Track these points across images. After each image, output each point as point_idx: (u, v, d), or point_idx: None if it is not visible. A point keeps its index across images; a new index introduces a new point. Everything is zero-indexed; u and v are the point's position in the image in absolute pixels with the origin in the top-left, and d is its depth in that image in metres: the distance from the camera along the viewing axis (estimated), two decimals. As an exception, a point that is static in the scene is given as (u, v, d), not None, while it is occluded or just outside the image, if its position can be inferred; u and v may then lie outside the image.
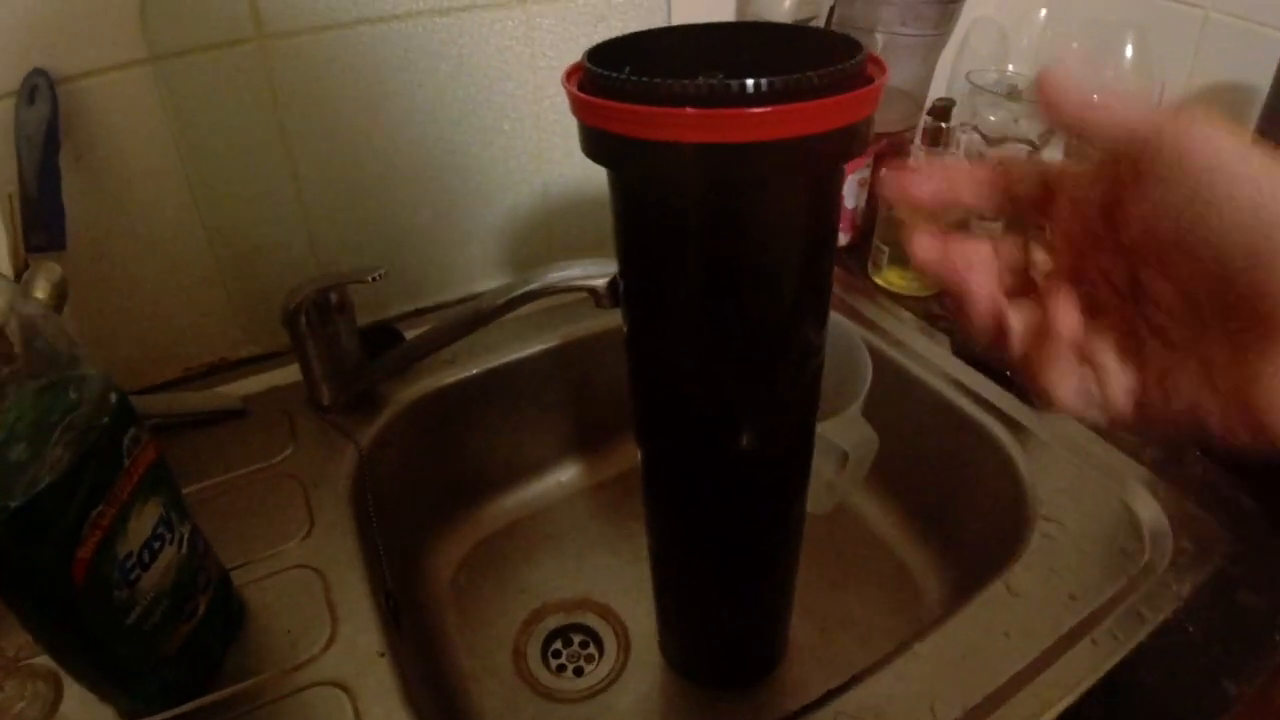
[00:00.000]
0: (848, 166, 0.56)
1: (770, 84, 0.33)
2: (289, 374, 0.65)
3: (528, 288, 0.52)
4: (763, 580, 0.57)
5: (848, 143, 0.36)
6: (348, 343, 0.61)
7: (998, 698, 0.45)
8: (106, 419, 0.41)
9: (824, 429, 0.59)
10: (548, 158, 0.72)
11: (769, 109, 0.33)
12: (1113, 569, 0.52)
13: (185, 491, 0.57)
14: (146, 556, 0.43)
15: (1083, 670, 0.46)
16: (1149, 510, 0.55)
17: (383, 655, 0.47)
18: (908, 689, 0.46)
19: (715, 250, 0.39)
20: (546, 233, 0.76)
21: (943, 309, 0.74)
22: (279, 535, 0.54)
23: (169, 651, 0.46)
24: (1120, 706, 0.45)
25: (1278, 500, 0.56)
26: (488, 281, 0.76)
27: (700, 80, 0.33)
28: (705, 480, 0.50)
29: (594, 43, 0.71)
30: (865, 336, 0.70)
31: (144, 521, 0.44)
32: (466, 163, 0.69)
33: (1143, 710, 0.45)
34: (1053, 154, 0.79)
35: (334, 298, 0.58)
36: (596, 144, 0.37)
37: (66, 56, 0.55)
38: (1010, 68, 0.84)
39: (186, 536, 0.47)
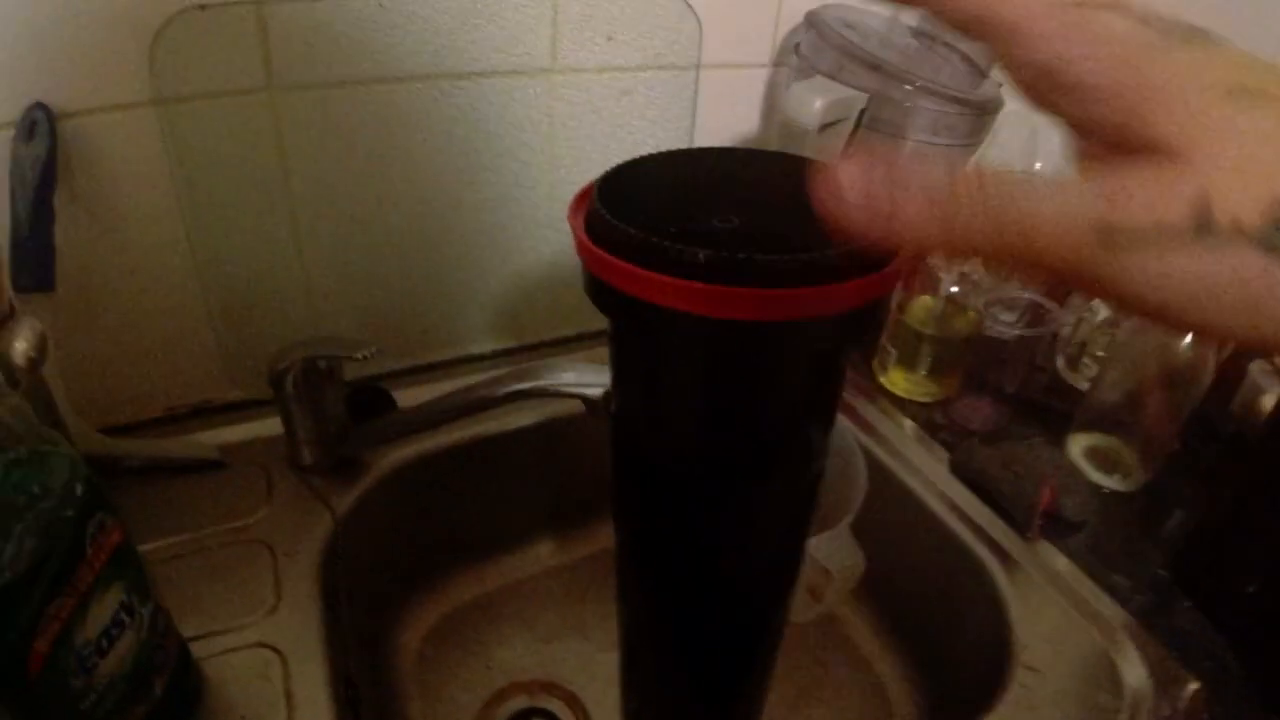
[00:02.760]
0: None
1: (785, 263, 0.32)
2: (272, 425, 0.63)
3: (520, 386, 0.50)
4: (737, 689, 0.56)
5: (868, 317, 0.35)
6: (333, 408, 0.59)
7: None
8: (71, 511, 0.39)
9: (811, 546, 0.58)
10: (558, 228, 0.70)
11: (783, 292, 0.31)
12: (1090, 729, 0.51)
13: (152, 546, 0.56)
14: (105, 643, 0.42)
15: None
16: (1132, 666, 0.54)
17: (336, 758, 0.46)
18: None
19: (717, 397, 0.38)
20: (549, 302, 0.75)
21: (945, 418, 0.72)
22: (243, 608, 0.53)
23: (122, 734, 0.44)
24: None
25: (1260, 662, 0.55)
26: (483, 345, 0.75)
27: (710, 251, 0.32)
28: (685, 583, 0.48)
29: (616, 116, 0.70)
30: (863, 442, 0.68)
31: (105, 608, 0.42)
32: (475, 227, 0.68)
33: None
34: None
35: (323, 365, 0.56)
36: (594, 289, 0.36)
37: (69, 92, 0.53)
38: (1038, 165, 0.82)
39: (147, 618, 0.45)
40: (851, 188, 0.22)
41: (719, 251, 0.34)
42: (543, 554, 0.75)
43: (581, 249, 0.35)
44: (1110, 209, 0.18)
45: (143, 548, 0.56)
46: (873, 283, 0.32)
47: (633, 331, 0.37)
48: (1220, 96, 0.19)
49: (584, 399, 0.48)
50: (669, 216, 0.37)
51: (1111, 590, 0.59)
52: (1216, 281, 0.18)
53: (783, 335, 0.33)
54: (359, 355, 0.52)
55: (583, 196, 0.38)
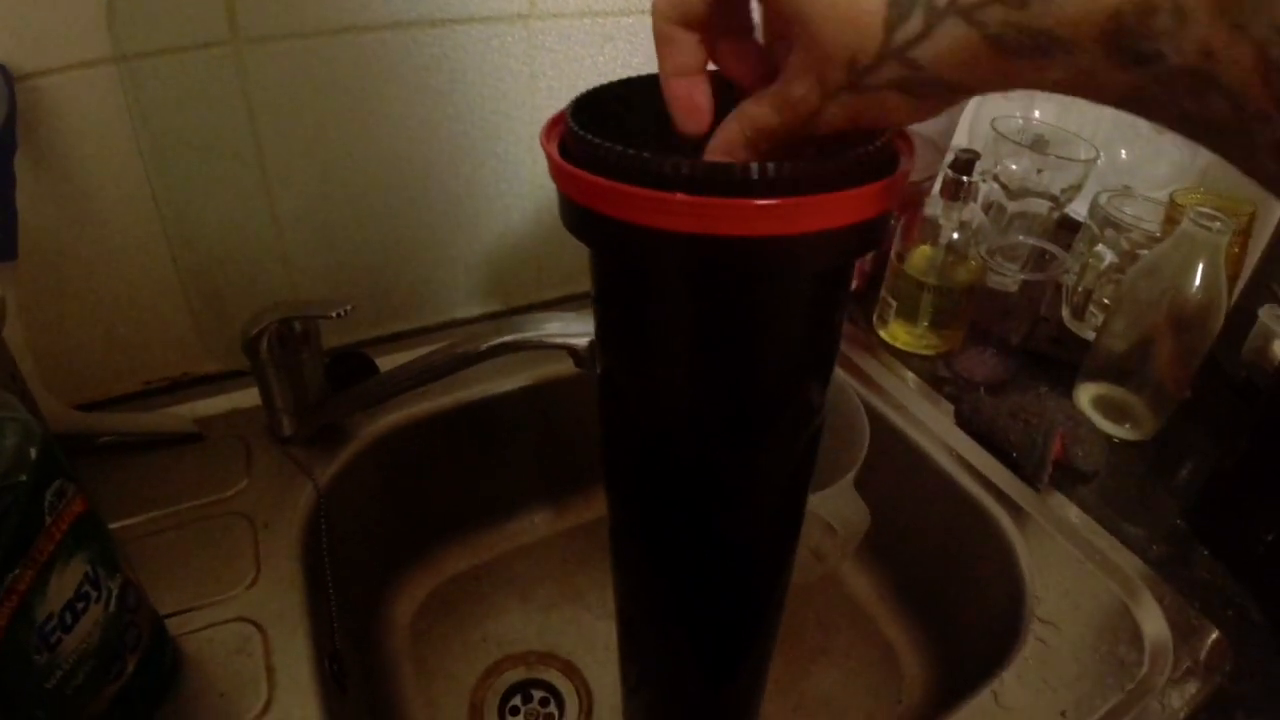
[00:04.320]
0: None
1: (777, 169, 0.29)
2: (251, 396, 0.61)
3: (502, 339, 0.48)
4: (738, 656, 0.54)
5: (868, 236, 0.32)
6: (311, 374, 0.57)
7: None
8: (24, 476, 0.37)
9: (813, 502, 0.56)
10: (542, 184, 0.68)
11: (774, 202, 0.29)
12: (1109, 681, 0.49)
13: (129, 523, 0.54)
14: (69, 618, 0.40)
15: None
16: (1151, 617, 0.52)
17: (318, 732, 0.43)
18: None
19: (706, 336, 0.36)
20: (536, 262, 0.72)
21: (949, 370, 0.70)
22: (222, 582, 0.50)
23: (93, 714, 0.42)
24: None
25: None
26: (469, 309, 0.72)
27: (695, 160, 0.29)
28: (682, 547, 0.45)
29: (599, 65, 0.67)
30: (864, 396, 0.66)
31: (67, 581, 0.40)
32: (454, 184, 0.65)
33: None
34: (1077, 208, 0.76)
35: (298, 327, 0.54)
36: (572, 216, 0.33)
37: (27, 51, 0.50)
38: (1036, 113, 0.80)
39: (115, 592, 0.43)
40: None
41: (704, 161, 0.31)
42: (537, 521, 0.73)
43: (554, 169, 0.33)
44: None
45: (118, 524, 0.54)
46: (873, 193, 0.30)
47: (614, 262, 0.35)
48: None
49: (570, 349, 0.46)
50: (650, 138, 0.34)
51: (1127, 541, 0.56)
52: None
53: (777, 255, 0.30)
54: (334, 314, 0.50)
55: (557, 121, 0.36)
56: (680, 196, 0.29)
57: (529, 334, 0.47)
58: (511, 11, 0.60)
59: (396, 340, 0.70)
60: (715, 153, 0.31)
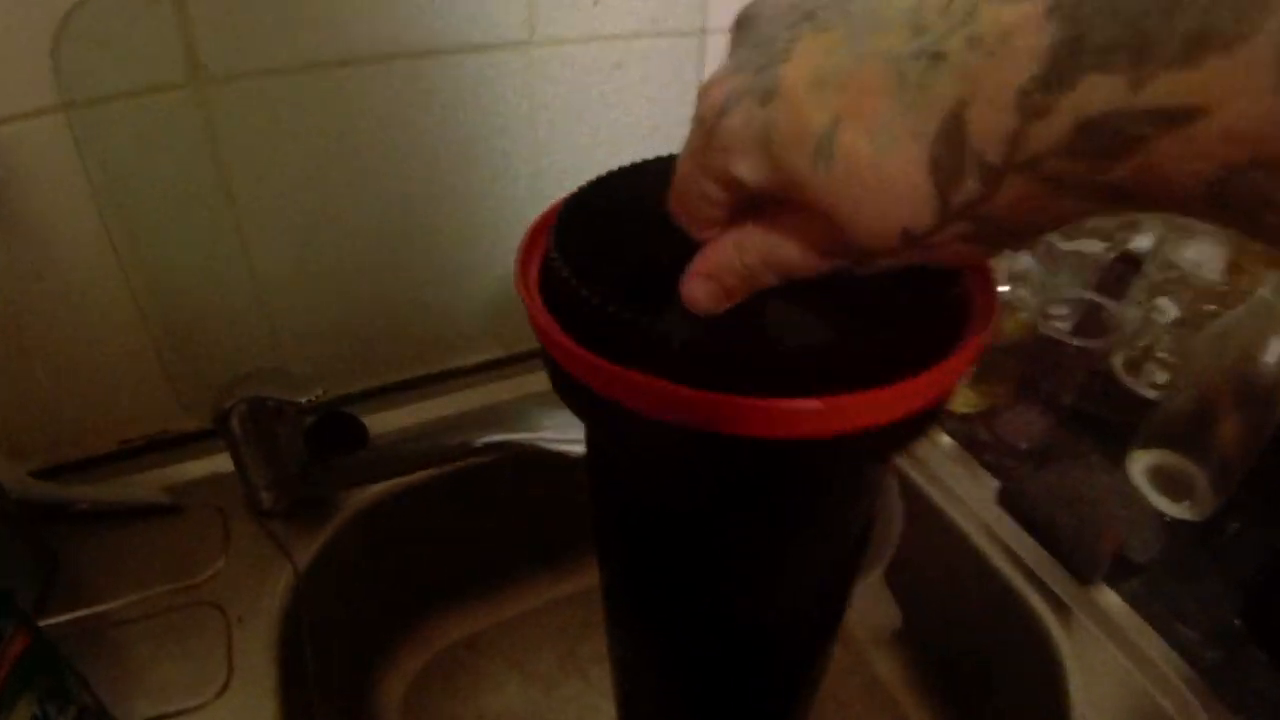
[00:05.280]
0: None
1: (807, 351, 0.23)
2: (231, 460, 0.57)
3: (495, 438, 0.43)
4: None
5: (925, 423, 0.26)
6: (288, 447, 0.52)
7: None
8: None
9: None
10: (544, 226, 0.62)
11: (804, 404, 0.23)
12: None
13: (97, 610, 0.50)
14: (14, 766, 0.36)
15: None
16: (1206, 739, 0.47)
17: None
18: None
19: (715, 526, 0.30)
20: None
21: (990, 433, 0.64)
22: (191, 687, 0.46)
23: None
24: None
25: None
26: (466, 357, 0.67)
27: (702, 338, 0.24)
28: (689, 640, 0.40)
29: (607, 94, 0.60)
30: (898, 465, 0.60)
31: (10, 726, 0.36)
32: (450, 226, 0.59)
33: None
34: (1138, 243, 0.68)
35: (272, 403, 0.49)
36: (556, 379, 0.28)
37: (-32, 103, 0.45)
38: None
39: (68, 725, 0.39)
40: None
41: (705, 334, 0.25)
42: (535, 589, 0.69)
43: (535, 326, 0.27)
44: None
45: (86, 611, 0.50)
46: (932, 380, 0.24)
47: (602, 436, 0.30)
48: None
49: (564, 458, 0.41)
50: (650, 256, 0.28)
51: (1178, 644, 0.51)
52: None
53: (803, 457, 0.25)
54: (304, 400, 0.45)
55: (538, 231, 0.30)
56: (685, 391, 0.23)
57: (523, 435, 0.42)
58: (509, 38, 0.53)
59: (388, 393, 0.65)
60: (699, 277, 0.25)
